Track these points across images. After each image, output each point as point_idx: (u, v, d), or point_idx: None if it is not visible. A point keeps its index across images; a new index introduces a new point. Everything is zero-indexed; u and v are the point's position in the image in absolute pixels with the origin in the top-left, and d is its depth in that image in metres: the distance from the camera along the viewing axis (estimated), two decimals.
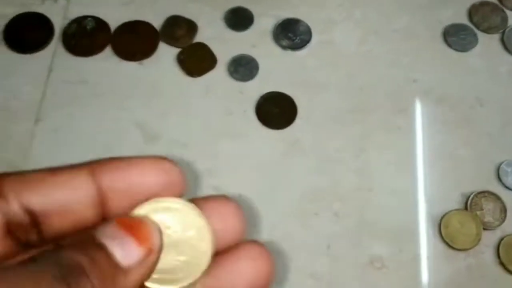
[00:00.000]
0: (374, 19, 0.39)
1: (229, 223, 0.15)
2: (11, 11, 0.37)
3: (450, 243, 0.33)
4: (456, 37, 0.39)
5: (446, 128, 0.35)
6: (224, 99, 0.36)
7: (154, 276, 0.14)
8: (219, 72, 0.36)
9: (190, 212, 0.15)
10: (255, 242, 0.15)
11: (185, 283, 0.14)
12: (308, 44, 0.37)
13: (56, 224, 0.14)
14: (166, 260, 0.14)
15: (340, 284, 0.31)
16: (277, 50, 0.37)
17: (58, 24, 0.37)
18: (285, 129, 0.35)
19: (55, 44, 0.37)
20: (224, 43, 0.37)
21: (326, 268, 0.32)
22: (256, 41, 0.37)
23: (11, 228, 0.14)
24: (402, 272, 0.32)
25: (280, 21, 0.38)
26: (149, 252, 0.14)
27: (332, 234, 0.32)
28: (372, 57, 0.37)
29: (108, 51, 0.37)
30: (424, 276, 0.32)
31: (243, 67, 0.36)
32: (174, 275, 0.14)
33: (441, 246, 0.32)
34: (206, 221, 0.15)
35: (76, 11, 0.38)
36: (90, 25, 0.37)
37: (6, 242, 0.14)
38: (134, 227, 0.14)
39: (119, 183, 0.15)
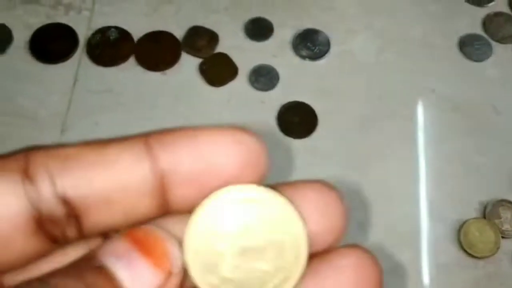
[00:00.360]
0: (392, 30, 0.39)
1: (330, 221, 0.11)
2: (36, 22, 0.38)
3: (469, 251, 0.33)
4: (471, 47, 0.39)
5: (463, 137, 0.35)
6: (246, 109, 0.36)
7: (222, 287, 0.11)
8: (240, 82, 0.36)
9: (279, 206, 0.11)
10: (358, 246, 0.12)
11: None
12: (327, 54, 0.37)
13: (101, 216, 0.11)
14: (242, 268, 0.11)
15: None
16: (296, 60, 0.37)
17: (82, 35, 0.38)
18: (306, 138, 0.36)
19: (80, 54, 0.37)
20: (244, 53, 0.37)
21: None
22: (276, 51, 0.37)
23: (43, 222, 0.11)
24: (423, 280, 0.32)
25: (299, 32, 0.38)
26: (168, 275, 0.11)
27: (355, 242, 0.33)
28: (390, 66, 0.37)
29: (131, 61, 0.37)
30: (444, 284, 0.32)
31: (264, 77, 0.36)
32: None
33: (460, 254, 0.33)
34: (302, 220, 0.11)
35: (100, 22, 0.38)
36: (113, 35, 0.38)
37: (36, 239, 0.11)
38: (147, 243, 0.11)
39: (184, 163, 0.11)
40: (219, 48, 0.38)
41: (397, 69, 0.37)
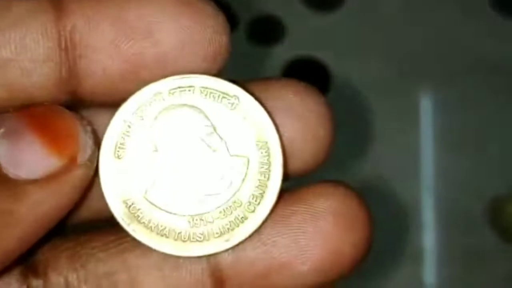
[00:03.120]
0: None
1: (311, 132, 0.09)
2: None
3: (505, 234, 0.29)
4: (506, 3, 0.35)
5: (499, 102, 0.33)
6: (245, 66, 0.32)
7: (154, 222, 0.09)
8: (240, 35, 0.33)
9: (244, 109, 0.09)
10: (341, 184, 0.10)
11: (217, 248, 0.09)
12: (342, 5, 0.34)
13: None
14: (180, 194, 0.09)
15: (381, 279, 0.29)
16: (307, 10, 0.34)
17: None
18: None
19: None
20: (245, 2, 0.34)
21: (366, 261, 0.28)
22: (283, 0, 0.34)
23: None
24: (448, 267, 0.30)
25: None
26: (70, 163, 0.08)
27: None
28: (416, 20, 0.35)
29: None
30: (475, 273, 0.29)
31: (268, 29, 0.33)
32: (199, 228, 0.09)
33: (495, 237, 0.30)
34: (277, 131, 0.09)
35: None
36: None
37: None
38: (45, 120, 0.09)
39: (102, 23, 0.08)
40: None
41: (424, 22, 0.34)
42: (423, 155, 0.32)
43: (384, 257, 0.30)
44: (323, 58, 0.33)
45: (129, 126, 0.09)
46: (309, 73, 0.33)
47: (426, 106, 0.33)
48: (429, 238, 0.30)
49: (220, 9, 0.09)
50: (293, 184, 0.10)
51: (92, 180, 0.09)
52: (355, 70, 0.33)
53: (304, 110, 0.09)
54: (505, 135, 0.32)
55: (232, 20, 0.33)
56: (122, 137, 0.09)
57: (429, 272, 0.30)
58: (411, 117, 0.32)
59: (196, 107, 0.09)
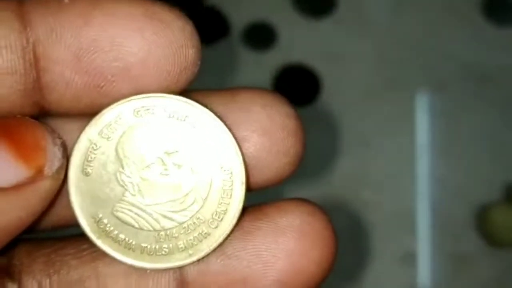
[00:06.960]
0: None
1: (279, 145, 0.09)
2: None
3: (493, 240, 0.29)
4: (497, 11, 0.35)
5: (489, 110, 0.33)
6: (237, 71, 0.32)
7: (122, 236, 0.09)
8: (233, 41, 0.33)
9: (208, 128, 0.09)
10: (305, 201, 0.10)
11: (182, 261, 0.09)
12: (333, 12, 0.34)
13: None
14: (145, 211, 0.09)
15: (373, 283, 0.29)
16: (297, 17, 0.34)
17: None
18: (307, 107, 0.31)
19: None
20: (238, 8, 0.33)
21: (353, 264, 0.29)
22: (275, 7, 0.34)
23: None
24: (437, 272, 0.30)
25: None
26: (37, 174, 0.08)
27: (360, 226, 0.30)
28: (406, 28, 0.35)
29: None
30: (462, 277, 0.29)
31: (260, 36, 0.33)
32: (164, 243, 0.09)
33: (483, 243, 0.30)
34: (240, 151, 0.09)
35: None
36: None
37: None
38: (13, 130, 0.08)
39: (66, 36, 0.08)
40: (209, 1, 0.33)
41: (414, 31, 0.34)
42: (415, 162, 0.31)
43: (376, 261, 0.30)
44: (314, 65, 0.33)
45: (95, 144, 0.09)
46: (300, 80, 0.33)
47: (416, 113, 0.32)
48: (421, 242, 0.30)
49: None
50: (268, 195, 0.10)
51: (59, 191, 0.09)
52: (346, 76, 0.33)
53: (270, 124, 0.09)
54: (494, 143, 0.32)
55: (225, 26, 0.33)
56: (89, 155, 0.09)
57: (421, 276, 0.30)
58: (401, 124, 0.32)
59: (160, 127, 0.09)
